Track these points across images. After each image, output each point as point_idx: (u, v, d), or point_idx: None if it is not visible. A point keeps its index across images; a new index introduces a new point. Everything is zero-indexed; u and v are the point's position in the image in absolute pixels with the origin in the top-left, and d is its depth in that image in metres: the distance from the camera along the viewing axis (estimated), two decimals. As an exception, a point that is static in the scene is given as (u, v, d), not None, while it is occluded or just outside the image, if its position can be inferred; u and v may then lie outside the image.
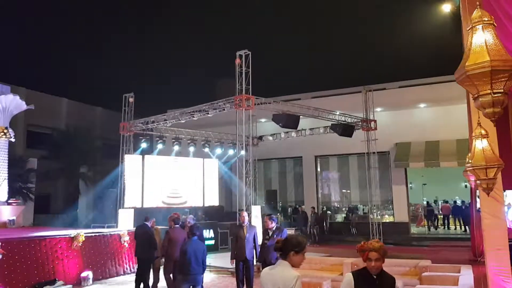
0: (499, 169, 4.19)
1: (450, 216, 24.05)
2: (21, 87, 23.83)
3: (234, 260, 8.70)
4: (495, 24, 3.53)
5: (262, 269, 8.33)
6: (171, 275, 9.16)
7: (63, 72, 38.24)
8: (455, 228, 23.13)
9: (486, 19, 3.49)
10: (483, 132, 4.27)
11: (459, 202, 23.14)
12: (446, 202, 24.94)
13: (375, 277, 3.72)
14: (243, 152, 14.24)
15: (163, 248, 9.19)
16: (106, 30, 42.00)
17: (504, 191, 7.33)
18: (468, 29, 3.59)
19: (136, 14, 43.94)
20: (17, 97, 16.46)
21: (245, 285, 8.77)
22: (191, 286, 7.60)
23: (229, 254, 9.46)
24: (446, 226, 24.09)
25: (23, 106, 16.73)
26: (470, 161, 4.40)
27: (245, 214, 9.12)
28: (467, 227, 21.81)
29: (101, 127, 27.64)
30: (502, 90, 3.36)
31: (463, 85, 3.54)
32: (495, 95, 3.36)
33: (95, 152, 24.96)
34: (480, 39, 3.42)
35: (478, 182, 4.34)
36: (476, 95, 3.46)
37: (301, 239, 3.74)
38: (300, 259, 3.63)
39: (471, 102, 6.24)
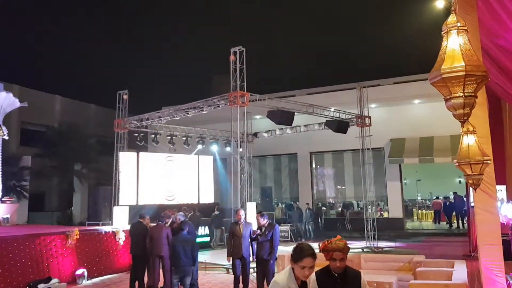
0: (485, 165, 4.25)
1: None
2: (14, 85, 23.72)
3: (231, 258, 8.69)
4: (468, 30, 3.74)
5: (257, 264, 8.42)
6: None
7: (56, 69, 38.04)
8: (446, 223, 23.27)
9: (460, 24, 3.70)
10: (470, 128, 4.34)
11: (451, 198, 23.15)
12: (437, 197, 25.10)
13: (337, 275, 3.60)
14: (238, 149, 14.23)
15: (147, 245, 9.45)
16: (100, 27, 41.78)
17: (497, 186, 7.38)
18: (443, 33, 3.76)
19: (130, 11, 43.73)
20: (10, 95, 16.36)
21: (241, 283, 8.76)
22: (181, 277, 8.21)
23: (224, 251, 9.47)
24: (437, 222, 24.22)
25: (16, 103, 16.62)
26: (458, 157, 4.47)
27: (241, 212, 9.08)
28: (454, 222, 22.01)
29: (95, 125, 27.55)
30: (472, 93, 3.58)
31: (435, 86, 3.78)
32: (466, 97, 3.57)
33: (89, 150, 24.87)
34: (455, 43, 3.65)
35: (465, 177, 4.40)
36: (448, 97, 3.66)
37: (302, 246, 3.46)
38: (297, 270, 3.35)
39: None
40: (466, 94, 3.55)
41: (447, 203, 22.55)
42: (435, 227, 23.34)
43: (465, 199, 21.65)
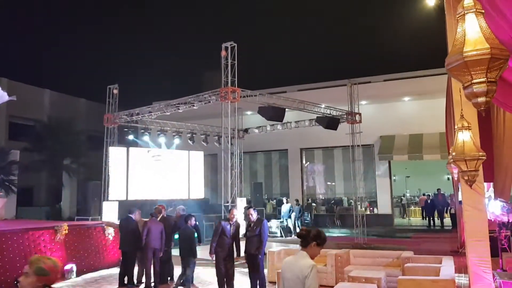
0: (480, 161, 4.21)
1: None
2: (2, 78, 23.47)
3: (214, 255, 8.46)
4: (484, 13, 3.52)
5: (246, 259, 8.39)
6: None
7: (45, 62, 37.68)
8: (424, 219, 23.34)
9: (478, 7, 3.48)
10: (465, 124, 4.30)
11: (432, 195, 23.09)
12: (424, 194, 25.24)
13: None
14: (229, 145, 14.22)
15: (142, 237, 9.56)
16: (90, 20, 41.43)
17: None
18: (458, 16, 3.55)
19: (120, 5, 43.36)
20: (-1, 88, 16.16)
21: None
22: (183, 267, 9.03)
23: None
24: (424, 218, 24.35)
25: (5, 97, 16.40)
26: (453, 153, 4.42)
27: (235, 211, 9.00)
28: (433, 219, 21.93)
29: (85, 119, 27.35)
30: (494, 79, 3.34)
31: (454, 73, 3.47)
32: (489, 83, 3.32)
33: (78, 144, 24.67)
34: (475, 26, 3.37)
35: (460, 174, 4.37)
36: (469, 83, 3.42)
37: (324, 235, 3.95)
38: (318, 251, 3.82)
39: (453, 95, 6.31)
40: (489, 80, 3.30)
41: (428, 201, 22.42)
42: (423, 223, 23.50)
43: (448, 196, 21.79)
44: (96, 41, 39.72)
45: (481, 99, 3.39)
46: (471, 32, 3.37)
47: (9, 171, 20.72)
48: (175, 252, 9.98)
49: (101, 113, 18.20)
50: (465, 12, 3.48)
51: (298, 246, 3.95)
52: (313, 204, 24.16)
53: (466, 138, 4.30)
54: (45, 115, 25.47)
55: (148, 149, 17.78)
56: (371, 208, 22.97)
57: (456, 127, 4.44)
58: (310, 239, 3.78)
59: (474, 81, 3.34)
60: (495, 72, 3.32)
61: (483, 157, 4.25)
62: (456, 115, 6.29)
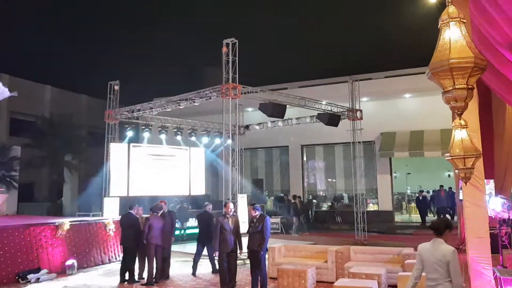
0: (477, 159, 4.27)
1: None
2: (3, 74, 23.47)
3: (218, 252, 8.54)
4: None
5: (248, 256, 8.41)
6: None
7: (47, 59, 37.61)
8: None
9: (461, 16, 3.60)
10: (462, 122, 4.35)
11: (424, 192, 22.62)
12: (422, 191, 25.19)
13: None
14: (229, 141, 14.22)
15: (144, 234, 9.63)
16: (90, 17, 41.38)
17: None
18: (443, 23, 3.68)
19: (121, 1, 43.27)
20: (0, 84, 16.16)
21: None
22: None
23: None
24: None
25: (6, 93, 16.40)
26: (451, 151, 4.48)
27: (231, 205, 9.06)
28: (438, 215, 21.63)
29: (86, 115, 27.38)
30: (472, 86, 3.60)
31: (437, 76, 3.67)
32: (469, 89, 3.57)
33: (79, 140, 24.73)
34: (458, 35, 3.55)
35: (456, 171, 4.43)
36: (450, 88, 3.59)
37: (450, 221, 4.79)
38: (450, 235, 4.60)
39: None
40: (469, 87, 3.56)
41: (420, 198, 21.93)
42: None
43: (442, 194, 21.58)
44: (97, 37, 39.70)
45: (460, 104, 3.66)
46: (455, 41, 3.58)
47: (11, 167, 20.78)
48: (175, 247, 10.00)
49: (102, 109, 18.20)
50: (449, 20, 3.60)
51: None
52: (314, 201, 24.19)
53: (463, 136, 4.37)
54: (46, 111, 25.51)
55: (141, 145, 17.75)
56: (370, 205, 22.98)
57: (453, 125, 4.52)
58: (443, 228, 4.55)
59: (457, 86, 3.59)
60: (474, 79, 3.56)
61: (480, 155, 4.36)
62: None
